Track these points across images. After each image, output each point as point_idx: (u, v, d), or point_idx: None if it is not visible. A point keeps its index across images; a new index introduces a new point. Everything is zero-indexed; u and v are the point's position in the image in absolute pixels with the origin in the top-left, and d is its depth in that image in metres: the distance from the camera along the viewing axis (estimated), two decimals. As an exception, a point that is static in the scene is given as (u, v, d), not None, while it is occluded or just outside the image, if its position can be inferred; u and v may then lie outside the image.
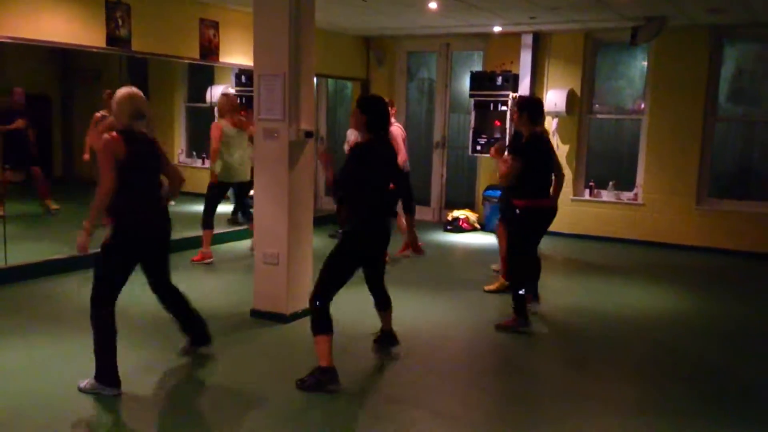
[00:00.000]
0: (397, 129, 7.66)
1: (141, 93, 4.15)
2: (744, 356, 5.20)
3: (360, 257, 4.45)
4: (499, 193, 9.19)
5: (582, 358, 5.08)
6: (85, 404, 3.92)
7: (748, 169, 9.49)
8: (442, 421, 3.92)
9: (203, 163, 9.54)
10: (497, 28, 9.43)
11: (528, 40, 9.72)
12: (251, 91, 5.69)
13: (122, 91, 4.12)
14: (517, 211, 5.66)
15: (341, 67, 10.66)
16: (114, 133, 3.98)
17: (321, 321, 4.23)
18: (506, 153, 6.15)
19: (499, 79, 9.73)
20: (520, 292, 5.50)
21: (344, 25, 9.88)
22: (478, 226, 10.24)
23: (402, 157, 7.44)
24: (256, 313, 5.63)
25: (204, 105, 9.72)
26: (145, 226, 4.16)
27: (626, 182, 9.70)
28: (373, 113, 4.38)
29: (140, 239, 4.14)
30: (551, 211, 5.67)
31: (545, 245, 6.76)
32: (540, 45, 9.84)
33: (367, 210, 4.36)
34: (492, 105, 9.82)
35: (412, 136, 11.22)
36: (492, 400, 4.32)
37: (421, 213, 10.54)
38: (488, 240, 9.39)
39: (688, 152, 9.03)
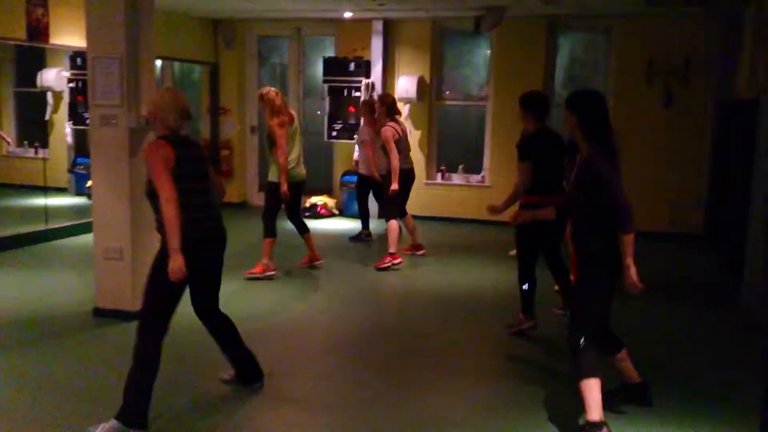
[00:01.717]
0: (389, 129, 7.15)
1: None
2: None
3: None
4: (357, 179, 9.24)
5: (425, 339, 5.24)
6: None
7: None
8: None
9: (36, 153, 8.84)
10: (348, 14, 9.45)
11: (378, 26, 9.82)
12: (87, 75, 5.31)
13: (164, 91, 3.72)
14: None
15: (188, 50, 10.24)
16: (162, 141, 3.54)
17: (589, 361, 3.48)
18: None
19: (352, 65, 9.77)
20: (524, 287, 5.19)
21: (190, 6, 9.48)
22: (336, 211, 10.26)
23: (393, 160, 7.06)
24: (99, 312, 5.32)
25: (35, 90, 8.99)
26: (205, 240, 3.67)
27: (475, 166, 10.10)
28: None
29: (199, 255, 3.61)
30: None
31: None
32: (390, 32, 9.97)
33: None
34: (346, 91, 9.84)
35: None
36: (349, 382, 4.35)
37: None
38: (347, 225, 9.44)
39: (530, 136, 9.51)
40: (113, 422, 3.48)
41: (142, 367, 3.54)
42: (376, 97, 8.72)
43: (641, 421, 3.79)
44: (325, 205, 10.14)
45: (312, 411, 3.92)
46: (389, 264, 7.08)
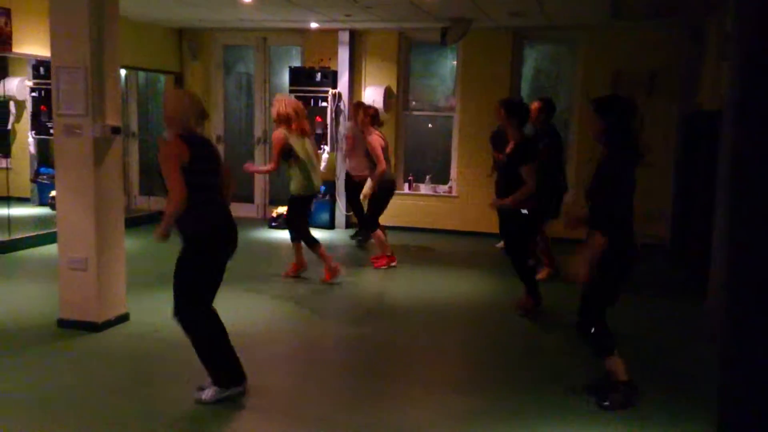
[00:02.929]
0: (377, 138, 7.48)
1: None
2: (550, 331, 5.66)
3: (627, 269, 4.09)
4: (323, 188, 9.44)
5: (404, 344, 5.27)
6: None
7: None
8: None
9: (7, 164, 8.71)
10: (314, 24, 9.48)
11: (345, 37, 9.87)
12: (50, 84, 5.26)
13: (182, 93, 3.95)
14: (524, 211, 5.62)
15: (152, 60, 10.16)
16: (178, 139, 3.77)
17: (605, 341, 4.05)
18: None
19: (319, 75, 9.79)
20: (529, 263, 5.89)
21: (154, 16, 9.42)
22: (302, 221, 10.25)
23: (380, 167, 7.36)
24: (63, 323, 5.24)
25: (-3, 98, 8.86)
26: (221, 228, 3.95)
27: (442, 176, 10.19)
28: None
29: (218, 246, 3.93)
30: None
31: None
32: (356, 42, 10.03)
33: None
34: (312, 101, 9.85)
35: (231, 132, 11.04)
36: (324, 393, 4.35)
37: (245, 210, 10.38)
38: (315, 235, 9.40)
39: (496, 146, 9.64)
40: (213, 388, 3.91)
41: (204, 346, 3.90)
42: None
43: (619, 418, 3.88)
44: (292, 215, 10.12)
45: (287, 422, 3.90)
46: (387, 265, 7.45)
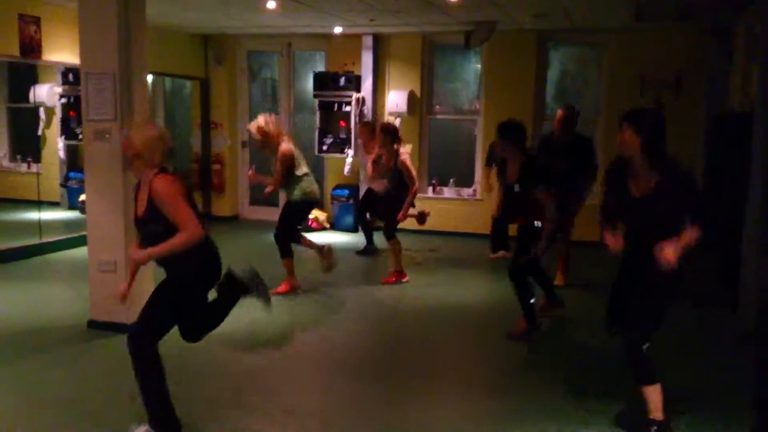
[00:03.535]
0: (406, 156, 7.10)
1: None
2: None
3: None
4: (347, 192, 9.53)
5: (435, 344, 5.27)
6: None
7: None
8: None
9: (29, 167, 8.87)
10: (338, 29, 9.54)
11: (368, 41, 9.91)
12: (81, 91, 5.35)
13: (147, 128, 3.65)
14: (537, 223, 5.36)
15: (178, 66, 10.30)
16: (169, 175, 3.52)
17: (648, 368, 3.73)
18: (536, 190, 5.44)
19: (342, 80, 9.84)
20: (531, 301, 5.44)
21: (180, 23, 9.55)
22: (327, 225, 10.30)
23: (414, 187, 7.02)
24: (93, 324, 5.34)
25: (28, 105, 9.02)
26: (213, 261, 3.74)
27: (466, 179, 10.17)
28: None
29: (209, 276, 3.74)
30: None
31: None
32: (380, 46, 10.07)
33: None
34: (336, 105, 9.91)
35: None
36: (342, 395, 4.37)
37: (271, 214, 10.44)
38: (339, 238, 9.49)
39: (520, 149, 9.59)
40: (148, 428, 3.56)
41: (145, 378, 3.55)
42: (370, 119, 8.75)
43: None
44: (316, 219, 10.18)
45: (304, 423, 3.94)
46: (396, 281, 7.11)
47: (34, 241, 7.93)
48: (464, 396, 4.37)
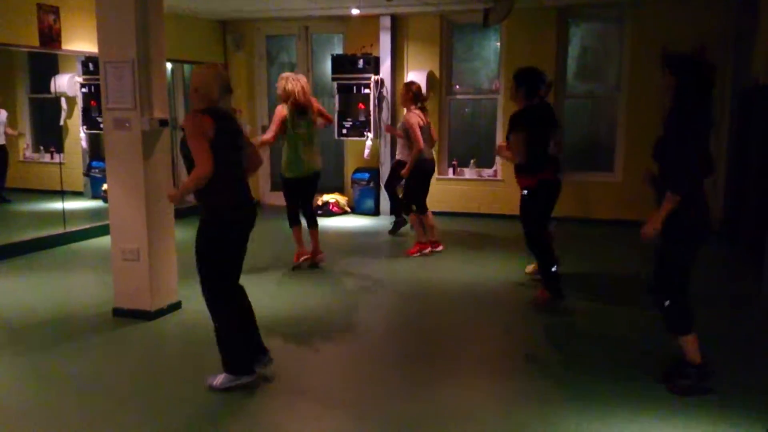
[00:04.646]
0: (413, 115, 7.25)
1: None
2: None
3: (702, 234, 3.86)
4: (368, 176, 9.57)
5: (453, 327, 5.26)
6: None
7: (595, 143, 10.12)
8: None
9: (52, 158, 8.94)
10: (355, 11, 9.45)
11: (386, 22, 9.82)
12: (99, 80, 5.36)
13: (207, 67, 3.92)
14: (525, 192, 5.55)
15: (197, 52, 10.29)
16: (202, 114, 3.75)
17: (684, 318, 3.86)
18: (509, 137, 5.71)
19: (361, 62, 9.78)
20: (553, 269, 5.62)
21: (197, 8, 9.53)
22: (348, 209, 10.30)
23: (417, 146, 7.12)
24: (118, 312, 5.39)
25: (49, 95, 9.08)
26: (243, 210, 3.94)
27: (487, 159, 10.08)
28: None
29: (240, 225, 3.93)
30: (556, 184, 5.71)
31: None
32: (398, 27, 9.97)
33: None
34: (355, 88, 9.86)
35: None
36: (363, 376, 4.37)
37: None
38: (359, 222, 9.48)
39: (541, 128, 9.47)
40: (225, 374, 3.92)
41: (222, 325, 3.89)
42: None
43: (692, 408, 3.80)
44: (337, 203, 10.18)
45: (326, 404, 3.94)
46: (419, 252, 7.32)
47: (58, 230, 8.02)
48: (492, 378, 4.35)
